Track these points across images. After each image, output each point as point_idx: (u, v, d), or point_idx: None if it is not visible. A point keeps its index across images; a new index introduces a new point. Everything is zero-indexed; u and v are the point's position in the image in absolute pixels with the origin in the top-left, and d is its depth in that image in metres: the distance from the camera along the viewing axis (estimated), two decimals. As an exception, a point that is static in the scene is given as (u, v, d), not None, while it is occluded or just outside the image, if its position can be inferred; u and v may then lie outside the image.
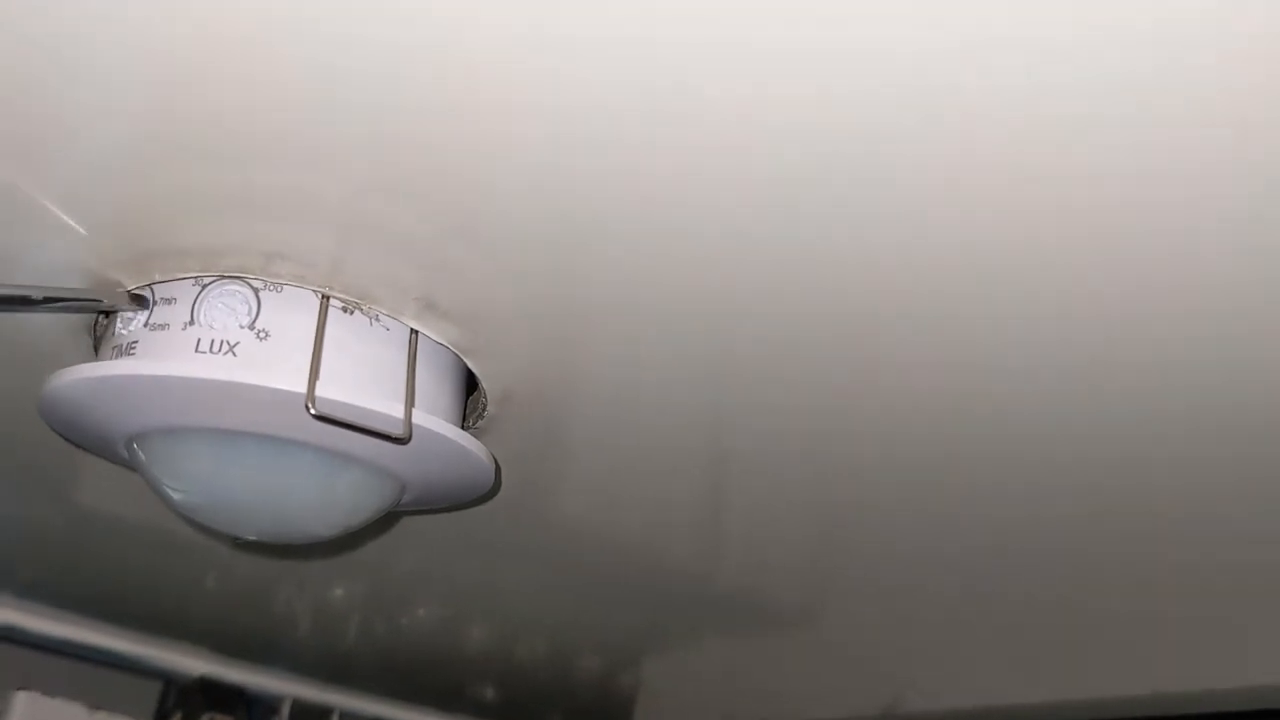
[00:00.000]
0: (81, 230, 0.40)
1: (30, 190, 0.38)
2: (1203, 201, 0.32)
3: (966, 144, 0.31)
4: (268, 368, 0.42)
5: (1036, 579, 0.62)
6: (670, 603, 0.77)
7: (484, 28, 0.29)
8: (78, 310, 0.45)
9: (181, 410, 0.44)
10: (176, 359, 0.43)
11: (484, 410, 0.50)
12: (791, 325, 0.41)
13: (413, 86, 0.31)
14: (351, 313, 0.44)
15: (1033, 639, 0.71)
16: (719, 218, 0.36)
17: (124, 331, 0.44)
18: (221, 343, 0.43)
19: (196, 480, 0.47)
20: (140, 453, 0.47)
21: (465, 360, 0.47)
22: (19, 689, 0.89)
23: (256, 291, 0.43)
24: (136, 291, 0.44)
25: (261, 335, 0.43)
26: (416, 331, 0.46)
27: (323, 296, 0.44)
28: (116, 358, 0.44)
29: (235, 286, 0.43)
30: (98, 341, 0.48)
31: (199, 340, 0.43)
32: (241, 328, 0.43)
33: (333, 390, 0.42)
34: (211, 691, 0.97)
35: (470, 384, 0.50)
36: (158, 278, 0.44)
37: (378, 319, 0.45)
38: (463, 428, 0.49)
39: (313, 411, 0.41)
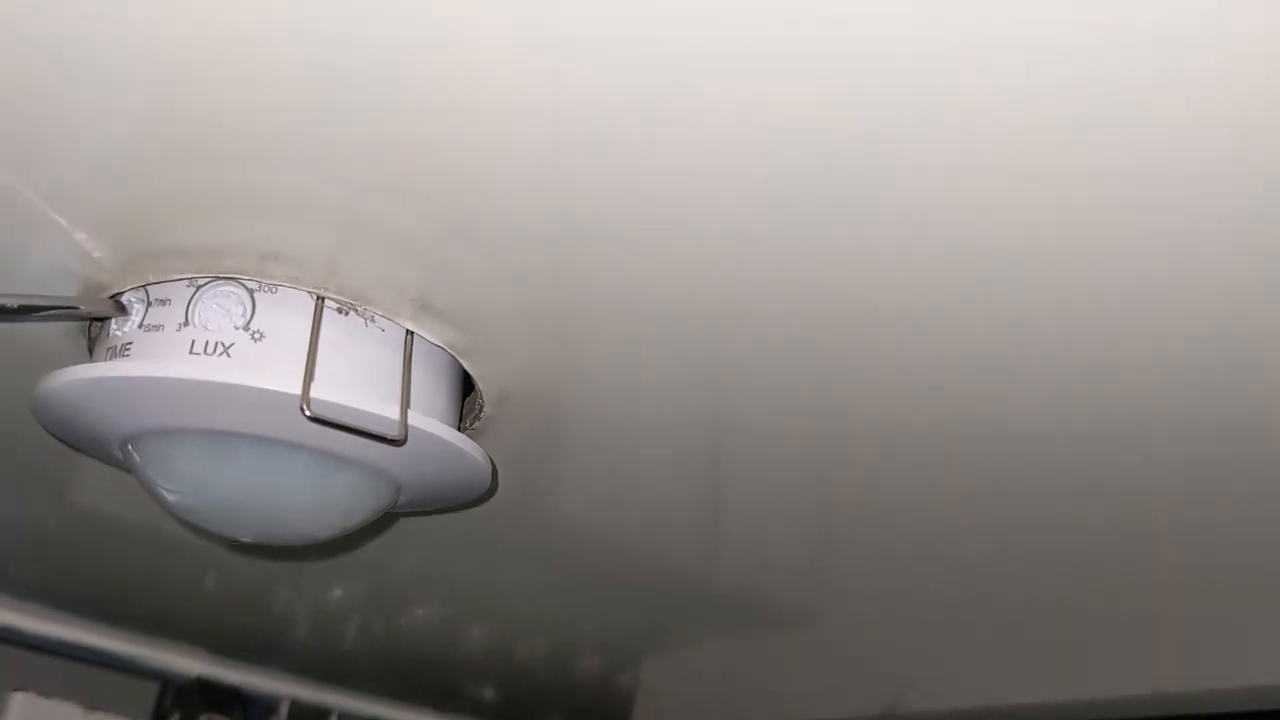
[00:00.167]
0: (79, 231, 0.40)
1: (28, 191, 0.38)
2: (1203, 201, 0.32)
3: (966, 144, 0.31)
4: (262, 369, 0.42)
5: (1036, 579, 0.62)
6: (670, 603, 0.77)
7: (484, 28, 0.29)
8: (55, 318, 0.45)
9: (176, 411, 0.44)
10: (171, 360, 0.43)
11: (481, 411, 0.50)
12: (791, 325, 0.41)
13: (413, 86, 0.31)
14: (346, 314, 0.44)
15: (1033, 639, 0.71)
16: (719, 218, 0.36)
17: (119, 333, 0.44)
18: (216, 344, 0.43)
19: (191, 482, 0.47)
20: (134, 454, 0.47)
21: (462, 361, 0.47)
22: (15, 690, 0.89)
23: (251, 293, 0.43)
24: (131, 292, 0.44)
25: (256, 336, 0.43)
26: (412, 333, 0.45)
27: (318, 298, 0.43)
28: (111, 359, 0.44)
29: (230, 288, 0.43)
30: (92, 342, 0.47)
31: (194, 341, 0.43)
32: (236, 329, 0.43)
33: (328, 392, 0.42)
34: (209, 692, 0.97)
35: (467, 385, 0.50)
36: (152, 279, 0.44)
37: (373, 320, 0.45)
38: (459, 429, 0.49)
39: (307, 413, 0.41)
